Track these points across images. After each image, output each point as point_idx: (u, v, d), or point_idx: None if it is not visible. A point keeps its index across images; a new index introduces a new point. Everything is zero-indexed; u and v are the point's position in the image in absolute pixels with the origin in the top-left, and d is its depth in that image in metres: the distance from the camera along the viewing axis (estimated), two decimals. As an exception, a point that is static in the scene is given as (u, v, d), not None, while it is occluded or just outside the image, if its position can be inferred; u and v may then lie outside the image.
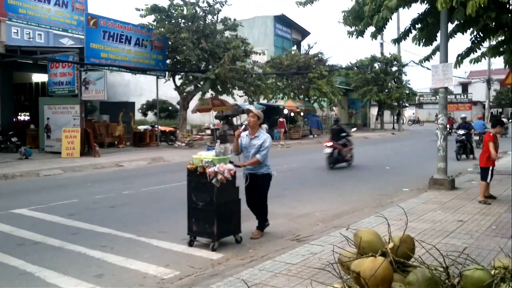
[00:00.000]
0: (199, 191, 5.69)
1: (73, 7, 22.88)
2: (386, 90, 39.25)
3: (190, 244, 5.83)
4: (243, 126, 6.33)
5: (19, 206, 8.45)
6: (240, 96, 24.29)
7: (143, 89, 33.49)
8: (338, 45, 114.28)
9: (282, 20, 40.31)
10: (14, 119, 21.40)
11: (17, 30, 20.10)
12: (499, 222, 6.47)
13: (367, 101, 40.68)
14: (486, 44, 10.41)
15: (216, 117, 28.30)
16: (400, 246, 2.76)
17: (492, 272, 2.51)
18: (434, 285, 2.41)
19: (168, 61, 22.54)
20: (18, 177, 12.52)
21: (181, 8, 21.38)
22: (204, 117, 32.13)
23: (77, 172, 13.78)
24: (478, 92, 59.94)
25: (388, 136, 34.51)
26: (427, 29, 9.46)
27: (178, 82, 23.15)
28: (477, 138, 18.22)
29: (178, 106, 26.06)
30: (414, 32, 9.61)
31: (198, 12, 21.75)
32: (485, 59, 11.00)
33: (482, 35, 9.38)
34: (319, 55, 31.58)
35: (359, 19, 9.07)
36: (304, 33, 44.59)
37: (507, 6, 8.12)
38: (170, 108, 33.29)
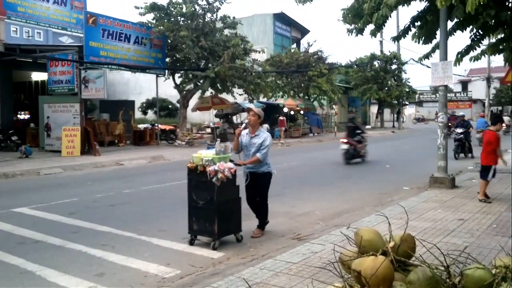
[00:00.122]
0: (200, 189, 5.69)
1: (72, 5, 22.89)
2: (386, 88, 39.23)
3: (191, 243, 5.84)
4: (244, 125, 6.32)
5: (20, 205, 8.46)
6: (240, 95, 24.27)
7: (142, 87, 33.45)
8: (338, 43, 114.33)
9: (281, 18, 40.25)
10: (14, 118, 21.40)
11: (16, 28, 20.10)
12: (499, 221, 6.47)
13: (367, 99, 40.66)
14: (485, 41, 10.42)
15: (216, 116, 28.28)
16: (401, 245, 2.77)
17: (493, 271, 2.52)
18: (435, 284, 2.42)
19: (167, 60, 22.52)
20: (19, 176, 12.53)
21: (180, 6, 21.35)
22: (204, 116, 32.12)
23: (77, 170, 13.78)
24: (478, 90, 59.92)
25: (388, 134, 34.50)
26: (426, 27, 9.44)
27: (178, 81, 23.13)
28: (478, 136, 18.14)
29: (178, 105, 26.05)
30: (413, 30, 9.58)
31: (197, 10, 21.72)
32: (484, 57, 10.96)
33: (481, 32, 9.36)
34: (318, 53, 31.54)
35: (359, 17, 9.05)
36: (304, 31, 44.52)
37: (507, 4, 8.11)
38: (170, 106, 33.27)
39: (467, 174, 11.44)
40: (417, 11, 9.38)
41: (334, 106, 34.20)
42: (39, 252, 5.62)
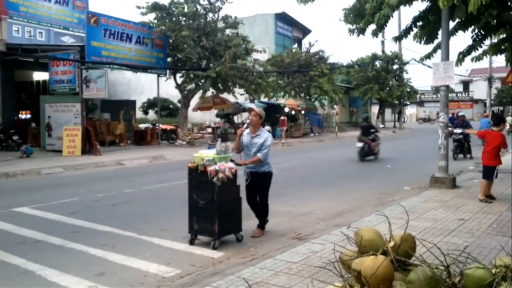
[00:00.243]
0: (200, 189, 5.69)
1: (74, 5, 22.87)
2: (387, 88, 39.20)
3: (191, 242, 5.84)
4: (245, 125, 6.32)
5: (20, 204, 8.47)
6: (241, 95, 24.27)
7: (144, 87, 33.48)
8: (339, 43, 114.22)
9: (283, 18, 40.25)
10: (15, 118, 21.42)
11: (18, 28, 20.10)
12: (500, 221, 6.46)
13: (368, 99, 40.62)
14: (487, 42, 10.38)
15: (217, 116, 28.30)
16: (401, 245, 2.76)
17: (493, 271, 2.51)
18: (435, 284, 2.41)
19: (169, 59, 22.54)
20: (20, 176, 12.54)
21: (182, 6, 21.37)
22: (205, 116, 32.13)
23: (78, 170, 13.80)
24: (480, 90, 59.83)
25: (389, 134, 34.46)
26: (428, 27, 9.43)
27: (179, 80, 23.14)
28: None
29: (179, 105, 26.05)
30: (415, 30, 9.57)
31: (199, 10, 21.74)
32: (486, 57, 10.96)
33: (483, 33, 9.35)
34: (320, 53, 31.53)
35: (360, 17, 9.04)
36: (305, 31, 44.52)
37: (509, 4, 8.09)
38: (171, 106, 33.28)
39: (468, 174, 11.43)
40: (419, 11, 9.37)
41: (335, 106, 34.20)
42: (40, 252, 5.63)
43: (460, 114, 18.14)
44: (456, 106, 58.31)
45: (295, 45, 39.13)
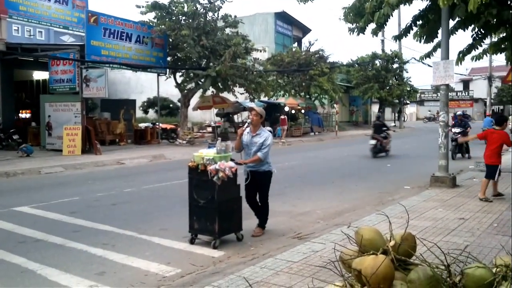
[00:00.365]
0: (200, 188, 5.69)
1: (74, 4, 22.87)
2: (387, 87, 39.17)
3: (192, 242, 5.84)
4: (246, 124, 6.31)
5: (21, 204, 8.47)
6: (241, 94, 24.26)
7: (144, 86, 33.47)
8: (339, 42, 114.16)
9: (282, 17, 40.22)
10: (15, 117, 21.42)
11: (18, 27, 20.10)
12: (500, 220, 6.46)
13: (368, 98, 40.61)
14: (487, 41, 10.39)
15: (217, 115, 28.29)
16: (402, 244, 2.76)
17: (494, 270, 2.51)
18: (436, 283, 2.41)
19: (168, 59, 22.52)
20: (20, 175, 12.54)
21: (182, 5, 21.34)
22: (205, 115, 32.13)
23: (78, 169, 13.80)
24: (479, 89, 59.84)
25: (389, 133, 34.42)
26: (428, 25, 9.43)
27: (179, 80, 23.13)
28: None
29: (179, 104, 26.05)
30: (415, 28, 9.57)
31: (198, 9, 21.71)
32: (486, 56, 10.95)
33: (483, 31, 9.35)
34: (320, 52, 31.50)
35: (360, 16, 9.04)
36: (305, 30, 44.49)
37: (508, 3, 8.09)
38: (171, 105, 33.28)
39: (468, 173, 11.43)
40: (419, 10, 9.37)
41: (335, 105, 34.19)
42: (40, 251, 5.63)
43: (458, 113, 18.03)
44: (456, 105, 58.31)
45: (295, 44, 39.11)
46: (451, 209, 7.28)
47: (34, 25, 20.84)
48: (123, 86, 33.55)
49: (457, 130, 15.71)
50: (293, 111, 29.81)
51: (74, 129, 17.11)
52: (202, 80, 22.11)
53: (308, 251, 5.13)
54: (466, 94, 65.09)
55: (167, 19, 21.05)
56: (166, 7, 21.41)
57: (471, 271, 2.44)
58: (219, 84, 22.46)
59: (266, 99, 28.32)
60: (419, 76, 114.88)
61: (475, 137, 8.87)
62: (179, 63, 23.14)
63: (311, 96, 32.12)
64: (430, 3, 8.95)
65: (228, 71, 20.90)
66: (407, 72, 42.05)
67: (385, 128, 17.34)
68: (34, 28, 20.76)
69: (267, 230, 6.39)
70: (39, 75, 23.96)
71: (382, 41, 40.33)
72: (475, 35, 9.46)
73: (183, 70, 23.05)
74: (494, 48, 10.11)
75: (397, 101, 41.03)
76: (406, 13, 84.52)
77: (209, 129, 28.50)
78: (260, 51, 24.17)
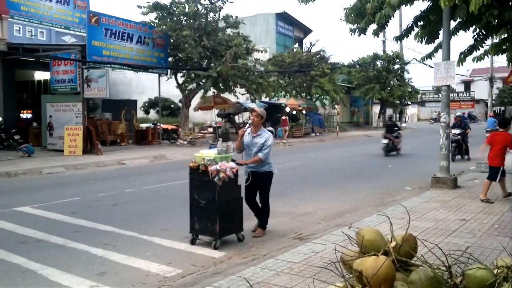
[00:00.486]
0: (201, 189, 5.69)
1: (75, 4, 22.89)
2: (388, 88, 39.16)
3: (192, 242, 5.84)
4: (248, 125, 6.32)
5: (22, 204, 8.48)
6: (242, 94, 24.26)
7: (145, 87, 33.49)
8: (340, 43, 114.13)
9: (284, 17, 40.23)
10: (16, 117, 21.44)
11: (19, 27, 20.12)
12: (501, 221, 6.45)
13: (369, 99, 40.60)
14: (488, 42, 10.36)
15: (218, 115, 28.31)
16: (403, 245, 2.75)
17: (495, 272, 2.50)
18: (437, 284, 2.41)
19: (170, 59, 22.54)
20: (21, 175, 12.55)
21: (183, 5, 21.36)
22: (206, 115, 32.14)
23: (79, 170, 13.81)
24: (481, 90, 59.74)
25: (390, 134, 34.39)
26: (429, 26, 9.42)
27: (180, 80, 23.15)
28: (488, 135, 17.66)
29: (180, 104, 26.06)
30: (416, 29, 9.56)
31: (200, 9, 21.74)
32: (487, 57, 10.94)
33: (484, 32, 9.33)
34: (321, 52, 31.52)
35: (361, 17, 9.04)
36: (306, 31, 44.50)
37: (510, 4, 8.08)
38: (172, 106, 33.30)
39: (469, 174, 11.41)
40: (420, 10, 9.37)
41: (336, 106, 34.19)
42: (41, 251, 5.63)
43: (457, 114, 17.94)
44: (457, 106, 58.27)
45: (296, 45, 39.15)
46: (452, 210, 7.27)
47: (36, 26, 20.87)
48: (124, 87, 33.58)
49: (456, 131, 15.57)
50: (294, 112, 29.81)
51: (75, 130, 17.12)
52: (203, 80, 22.12)
53: (309, 252, 5.13)
54: (467, 95, 65.03)
55: (168, 20, 21.07)
56: (167, 8, 21.44)
57: (472, 272, 2.44)
58: (220, 84, 22.47)
59: (267, 99, 28.32)
60: (420, 77, 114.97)
61: (486, 144, 8.53)
62: (180, 64, 23.16)
63: (312, 96, 32.13)
64: (431, 3, 8.95)
65: (229, 72, 20.91)
66: (408, 73, 42.12)
67: (396, 128, 18.12)
68: (35, 29, 20.79)
69: (268, 231, 6.38)
70: (40, 75, 23.99)
71: (383, 41, 40.37)
72: (476, 36, 9.45)
73: (184, 71, 23.06)
74: (496, 49, 10.10)
75: (398, 102, 41.01)
76: (407, 14, 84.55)
77: (210, 129, 28.49)
78: (261, 51, 24.19)
